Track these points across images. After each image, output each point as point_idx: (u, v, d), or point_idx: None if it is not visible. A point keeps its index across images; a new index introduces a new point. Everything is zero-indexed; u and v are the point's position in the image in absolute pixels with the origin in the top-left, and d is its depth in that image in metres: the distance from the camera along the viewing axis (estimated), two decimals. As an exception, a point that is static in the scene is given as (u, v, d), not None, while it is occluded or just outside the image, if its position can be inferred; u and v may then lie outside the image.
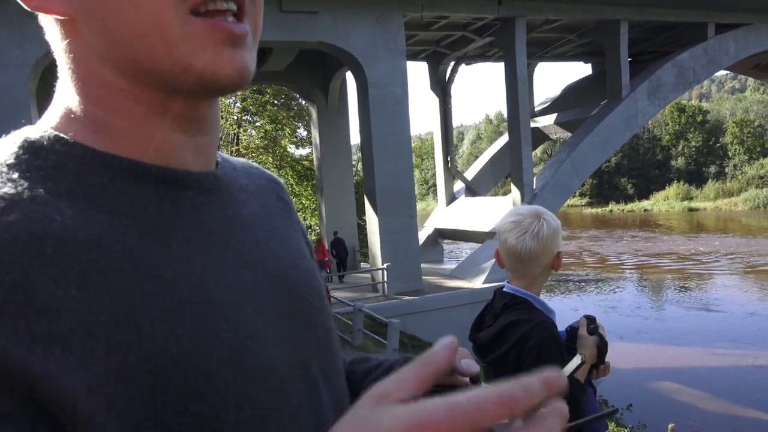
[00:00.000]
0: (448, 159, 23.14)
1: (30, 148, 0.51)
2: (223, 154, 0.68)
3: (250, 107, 24.63)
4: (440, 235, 22.97)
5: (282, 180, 0.76)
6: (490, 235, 17.00)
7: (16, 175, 0.49)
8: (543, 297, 1.80)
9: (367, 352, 10.42)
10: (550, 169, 18.55)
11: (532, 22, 18.92)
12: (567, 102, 23.80)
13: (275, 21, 13.73)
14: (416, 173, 36.65)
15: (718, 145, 66.55)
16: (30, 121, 0.56)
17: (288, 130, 25.11)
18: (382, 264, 15.20)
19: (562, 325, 1.81)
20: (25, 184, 0.48)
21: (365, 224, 17.30)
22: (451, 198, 23.18)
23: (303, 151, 26.40)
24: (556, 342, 1.66)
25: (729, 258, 29.49)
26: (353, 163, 22.95)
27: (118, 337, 0.45)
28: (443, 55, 22.49)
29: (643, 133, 66.76)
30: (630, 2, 18.64)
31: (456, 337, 0.39)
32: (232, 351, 0.51)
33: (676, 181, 64.93)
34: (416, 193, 19.92)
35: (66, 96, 0.55)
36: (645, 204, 64.40)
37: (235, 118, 25.09)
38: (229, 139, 25.49)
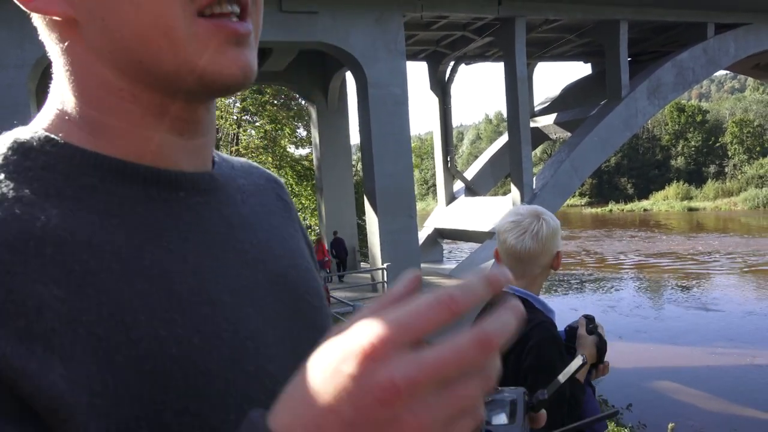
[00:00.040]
0: (448, 159, 23.11)
1: (20, 150, 0.51)
2: (222, 153, 0.67)
3: (250, 107, 24.58)
4: (440, 235, 22.95)
5: (282, 180, 0.76)
6: (490, 235, 16.98)
7: (2, 176, 0.49)
8: (542, 297, 1.81)
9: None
10: (550, 169, 18.53)
11: (532, 22, 18.89)
12: (567, 102, 23.77)
13: (275, 21, 13.71)
14: (416, 173, 36.60)
15: (717, 144, 66.51)
16: (29, 121, 0.56)
17: (288, 130, 25.07)
18: (382, 264, 15.18)
19: (561, 325, 1.81)
20: (12, 185, 0.48)
21: (365, 224, 17.30)
22: (451, 198, 23.16)
23: (303, 151, 26.39)
24: (556, 342, 1.67)
25: (728, 257, 29.47)
26: (353, 163, 22.94)
27: (104, 337, 0.45)
28: (443, 55, 22.46)
29: (642, 133, 66.69)
30: (630, 2, 18.62)
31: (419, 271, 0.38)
32: (232, 351, 0.51)
33: (675, 181, 64.85)
34: (416, 193, 19.92)
35: (60, 97, 0.54)
36: (644, 204, 64.32)
37: (235, 118, 25.05)
38: (229, 139, 25.46)
